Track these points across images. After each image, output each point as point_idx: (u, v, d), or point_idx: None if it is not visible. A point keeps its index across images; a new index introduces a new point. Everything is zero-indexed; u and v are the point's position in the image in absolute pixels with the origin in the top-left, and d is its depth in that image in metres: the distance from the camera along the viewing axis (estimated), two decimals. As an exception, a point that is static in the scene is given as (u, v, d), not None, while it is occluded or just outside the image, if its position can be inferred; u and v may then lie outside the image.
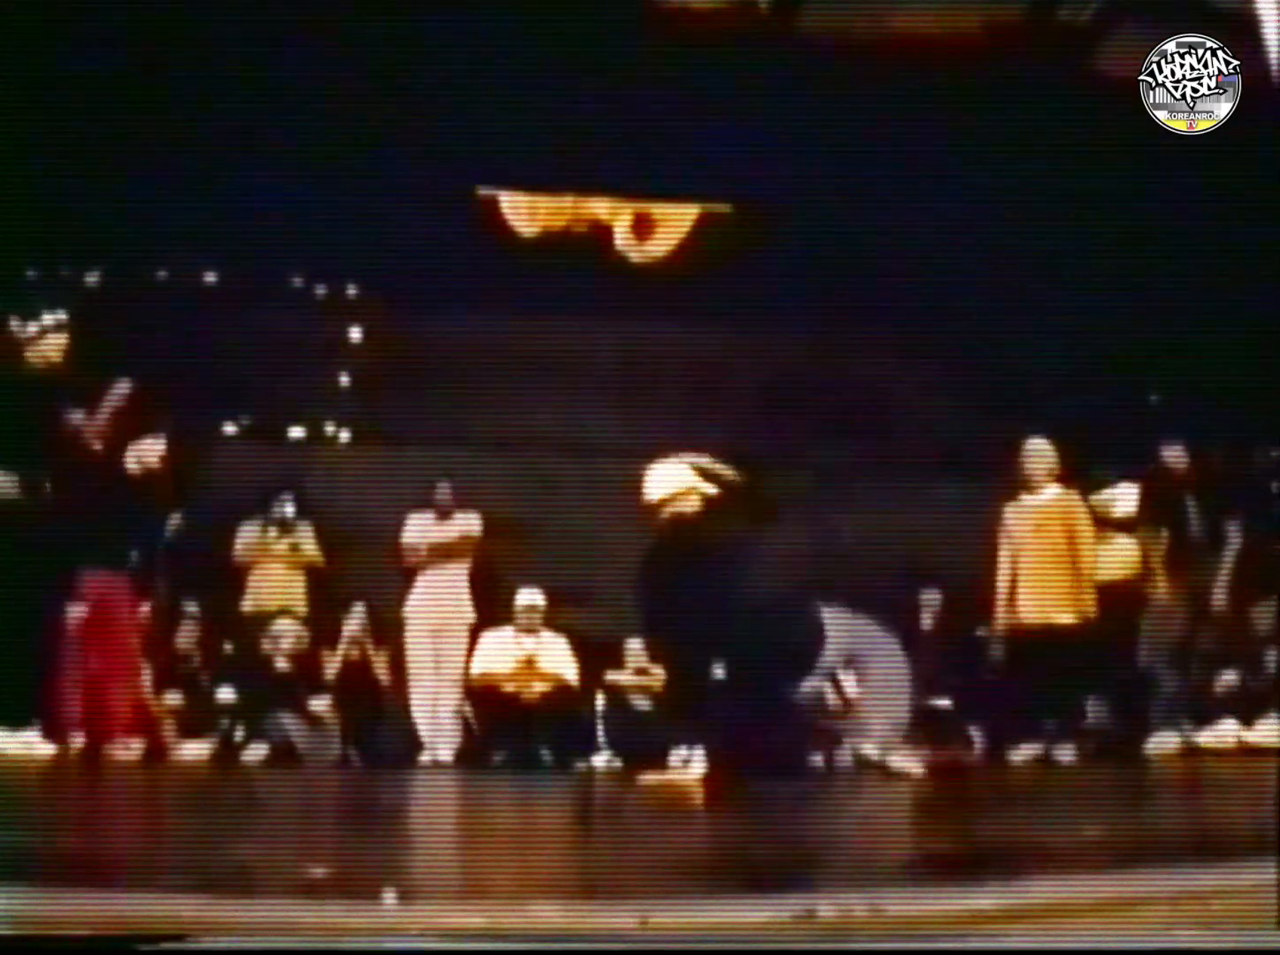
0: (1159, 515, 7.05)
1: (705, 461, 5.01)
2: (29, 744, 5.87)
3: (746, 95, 7.95)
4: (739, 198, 9.05)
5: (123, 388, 6.56)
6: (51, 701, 6.04)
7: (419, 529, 7.97)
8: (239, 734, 7.05)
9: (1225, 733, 6.50)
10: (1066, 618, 6.81)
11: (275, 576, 7.87)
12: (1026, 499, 7.09)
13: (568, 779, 6.71)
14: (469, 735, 7.67)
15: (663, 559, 4.84)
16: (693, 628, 4.67)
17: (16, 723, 5.87)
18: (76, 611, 6.09)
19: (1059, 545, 6.93)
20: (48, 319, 6.22)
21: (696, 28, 7.89)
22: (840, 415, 8.83)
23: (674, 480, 4.96)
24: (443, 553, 7.89)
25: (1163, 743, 6.62)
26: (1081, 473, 7.39)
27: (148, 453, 6.54)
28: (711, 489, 4.94)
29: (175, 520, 6.84)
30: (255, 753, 6.93)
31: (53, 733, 5.99)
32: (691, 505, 4.90)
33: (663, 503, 4.91)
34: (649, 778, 4.64)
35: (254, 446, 8.59)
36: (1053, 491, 7.06)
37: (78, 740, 6.03)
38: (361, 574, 8.03)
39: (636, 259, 9.25)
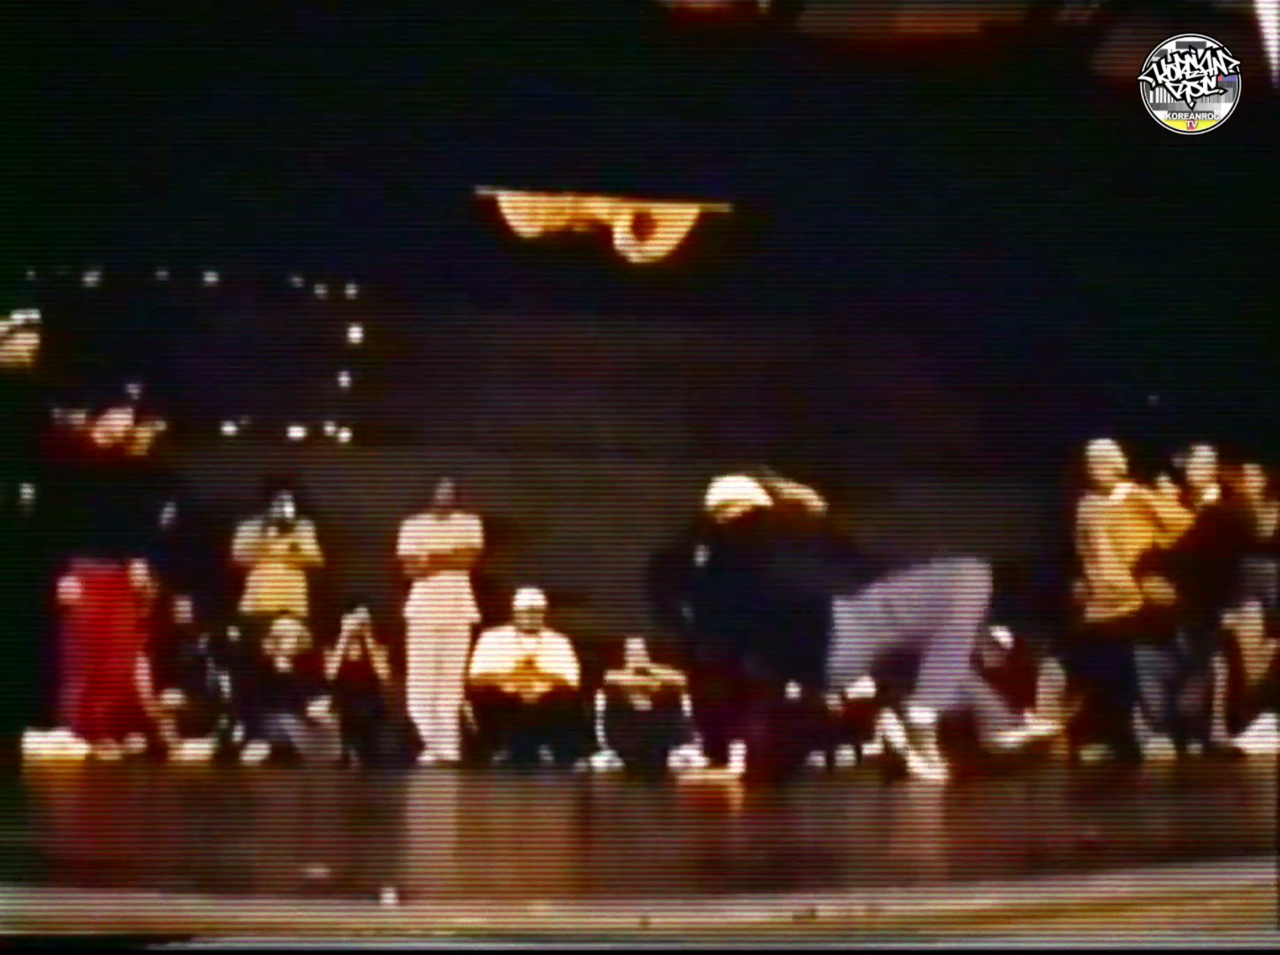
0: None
1: (770, 475, 4.97)
2: (62, 745, 5.88)
3: (746, 95, 7.95)
4: (739, 198, 9.06)
5: (127, 389, 6.57)
6: (51, 700, 6.04)
7: (417, 535, 7.96)
8: (238, 734, 7.05)
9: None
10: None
11: (275, 577, 7.87)
12: (1098, 501, 7.16)
13: (568, 779, 6.70)
14: (468, 735, 7.67)
15: (691, 559, 4.79)
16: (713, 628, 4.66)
17: (22, 724, 5.87)
18: (71, 601, 6.09)
19: (1141, 541, 7.01)
20: (17, 317, 6.18)
21: (696, 27, 7.89)
22: (841, 415, 8.84)
23: (733, 490, 4.93)
24: (443, 562, 7.90)
25: (1163, 745, 6.65)
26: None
27: (114, 425, 6.52)
28: (765, 501, 4.91)
29: (168, 511, 6.84)
30: (255, 753, 6.92)
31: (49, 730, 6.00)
32: (742, 514, 4.86)
33: (717, 510, 4.87)
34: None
35: (254, 446, 8.60)
36: (1124, 490, 7.12)
37: (72, 739, 6.03)
38: (361, 574, 8.03)
39: (636, 259, 9.26)
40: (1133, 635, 6.93)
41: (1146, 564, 7.03)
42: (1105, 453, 7.19)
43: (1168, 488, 7.21)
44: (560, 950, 1.50)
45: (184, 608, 7.58)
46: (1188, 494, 7.09)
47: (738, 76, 7.91)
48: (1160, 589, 6.99)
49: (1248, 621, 6.78)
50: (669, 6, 7.87)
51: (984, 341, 8.64)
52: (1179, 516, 7.04)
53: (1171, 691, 6.87)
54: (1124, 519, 7.09)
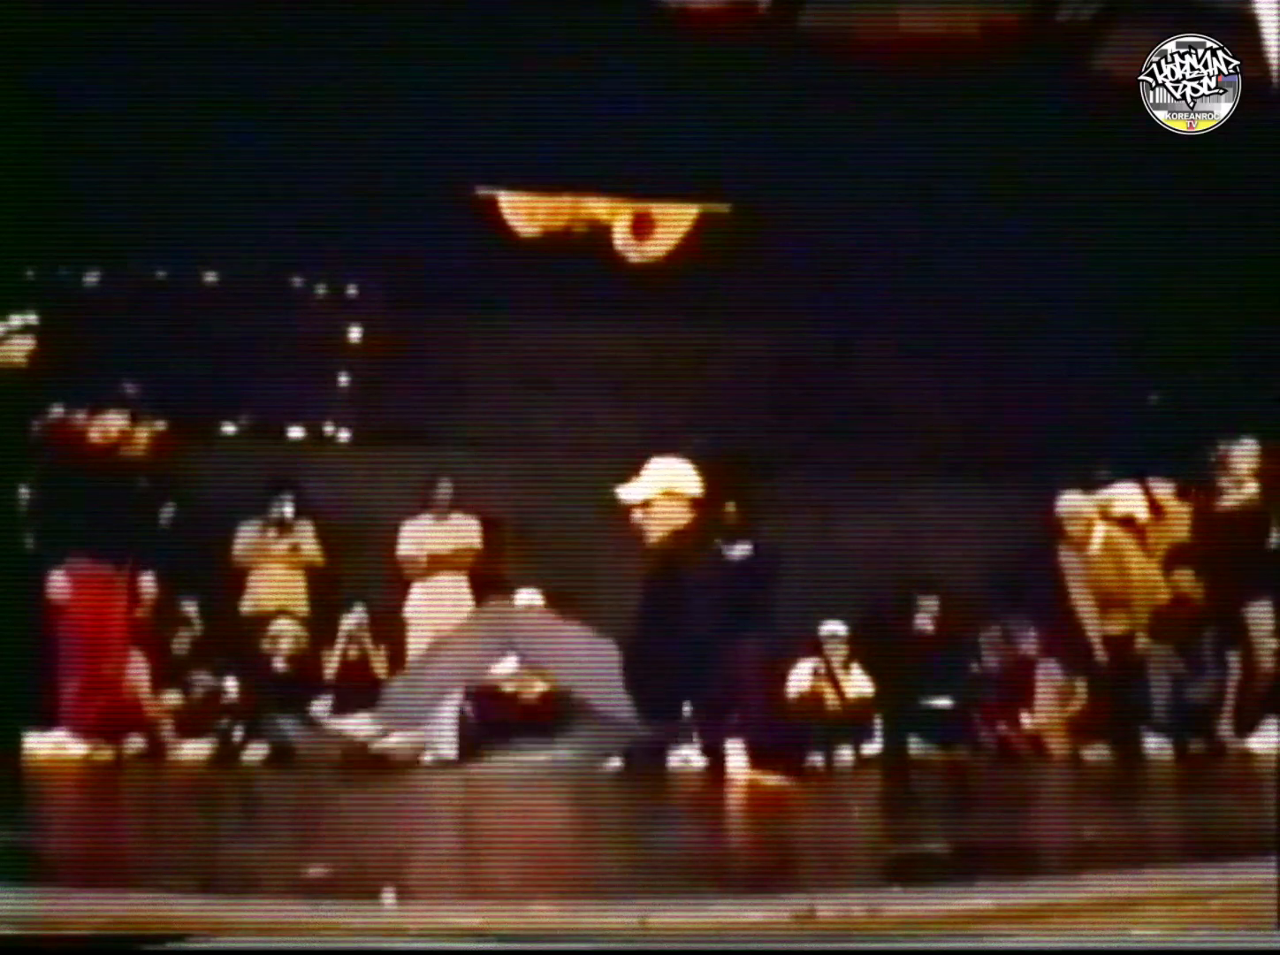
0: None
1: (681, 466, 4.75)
2: (60, 745, 5.88)
3: (746, 95, 7.95)
4: (739, 198, 9.05)
5: (127, 390, 6.57)
6: (50, 700, 6.05)
7: (417, 537, 7.96)
8: (238, 734, 7.04)
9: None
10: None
11: (275, 577, 7.86)
12: (1079, 555, 7.16)
13: (567, 779, 6.69)
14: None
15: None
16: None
17: (21, 724, 5.86)
18: (70, 601, 6.09)
19: (1135, 572, 7.06)
20: (15, 320, 6.17)
21: (696, 28, 7.89)
22: (840, 415, 8.84)
23: (652, 482, 4.66)
24: (442, 563, 7.90)
25: (1163, 745, 6.65)
26: (1084, 473, 7.44)
27: (113, 425, 6.53)
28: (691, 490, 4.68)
29: (169, 512, 6.84)
30: (255, 753, 6.92)
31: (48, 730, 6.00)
32: (670, 512, 4.61)
33: (640, 506, 4.62)
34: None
35: (254, 446, 8.59)
36: (1100, 534, 7.12)
37: (70, 739, 6.03)
38: (361, 574, 8.03)
39: (636, 259, 9.25)
40: (1140, 636, 6.94)
41: (1146, 588, 7.03)
42: (1075, 506, 7.17)
43: (1147, 504, 7.21)
44: (560, 950, 1.50)
45: (183, 608, 7.58)
46: (1196, 492, 7.09)
47: (738, 76, 7.91)
48: (1177, 589, 6.98)
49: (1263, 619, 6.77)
50: (669, 6, 7.87)
51: (985, 341, 8.64)
52: (1166, 530, 7.05)
53: (1180, 690, 6.86)
54: (1107, 567, 7.08)
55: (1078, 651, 7.37)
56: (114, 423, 6.59)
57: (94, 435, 6.51)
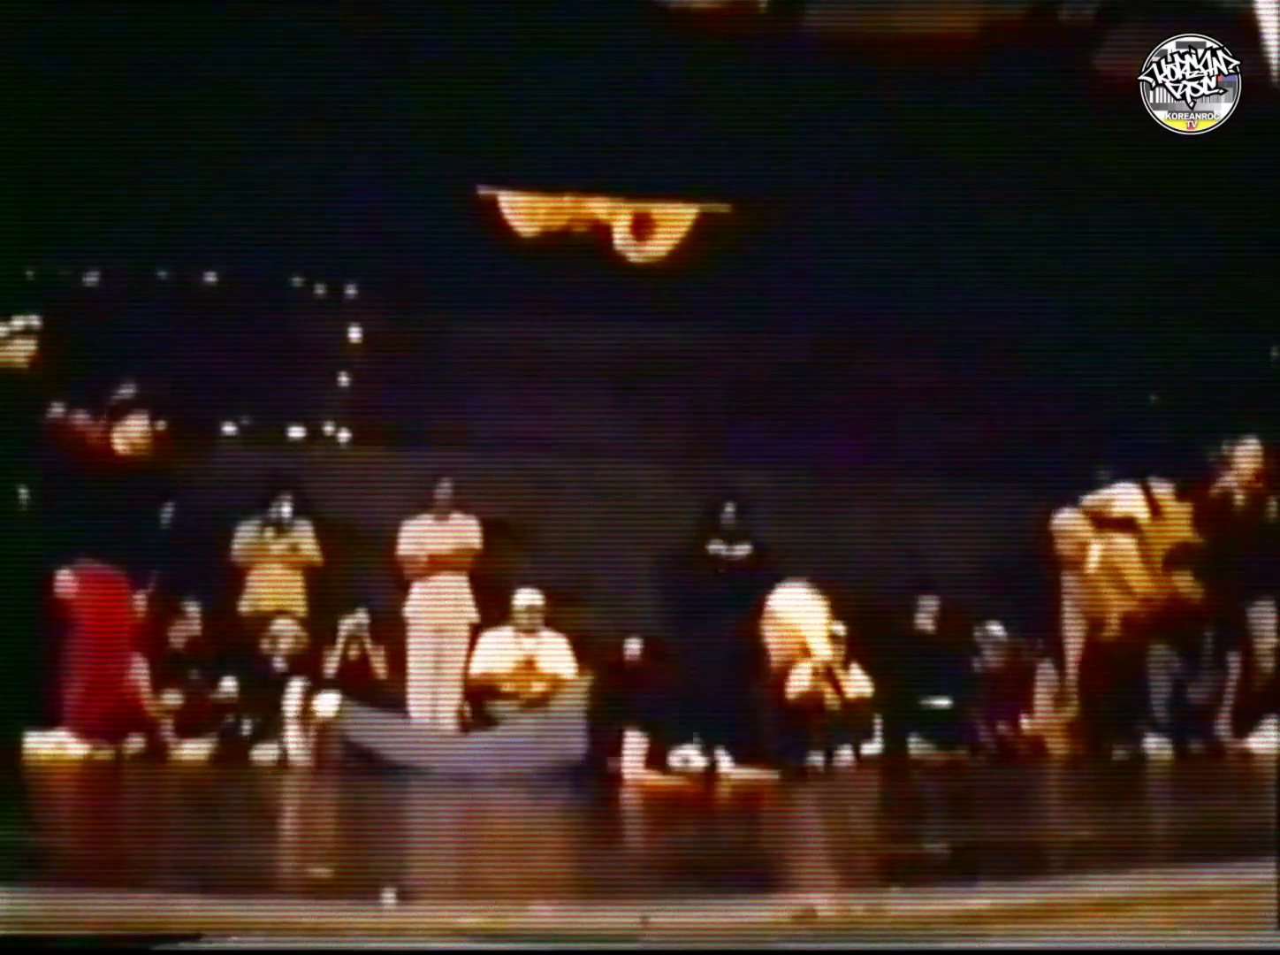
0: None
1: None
2: (61, 745, 5.88)
3: (746, 95, 7.95)
4: (739, 198, 9.06)
5: (126, 390, 6.56)
6: (51, 700, 6.04)
7: (417, 536, 7.96)
8: (243, 731, 7.03)
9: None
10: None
11: (274, 577, 7.86)
12: (1076, 575, 7.19)
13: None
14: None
15: None
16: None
17: (22, 724, 5.86)
18: (70, 601, 6.08)
19: (1134, 585, 7.08)
20: (17, 322, 6.16)
21: (696, 28, 7.89)
22: (840, 415, 8.84)
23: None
24: (442, 563, 7.90)
25: (1162, 745, 6.65)
26: (1084, 473, 7.45)
27: (132, 431, 6.53)
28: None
29: (169, 512, 6.84)
30: (264, 754, 6.91)
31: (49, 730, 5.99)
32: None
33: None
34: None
35: (254, 446, 8.59)
36: (1097, 553, 7.14)
37: (71, 738, 6.02)
38: (361, 574, 8.03)
39: (636, 259, 9.25)
40: (1139, 636, 6.93)
41: (1146, 589, 7.03)
42: (1069, 525, 7.18)
43: (1147, 504, 7.20)
44: (560, 950, 1.50)
45: (184, 608, 7.57)
46: (1198, 490, 7.08)
47: (738, 76, 7.91)
48: (1177, 589, 6.97)
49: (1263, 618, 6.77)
50: (669, 6, 7.86)
51: (984, 341, 8.64)
52: (1166, 530, 7.05)
53: (1180, 690, 6.85)
54: (1107, 567, 7.09)
55: (1077, 651, 7.37)
56: (114, 423, 6.58)
57: (94, 436, 6.50)
